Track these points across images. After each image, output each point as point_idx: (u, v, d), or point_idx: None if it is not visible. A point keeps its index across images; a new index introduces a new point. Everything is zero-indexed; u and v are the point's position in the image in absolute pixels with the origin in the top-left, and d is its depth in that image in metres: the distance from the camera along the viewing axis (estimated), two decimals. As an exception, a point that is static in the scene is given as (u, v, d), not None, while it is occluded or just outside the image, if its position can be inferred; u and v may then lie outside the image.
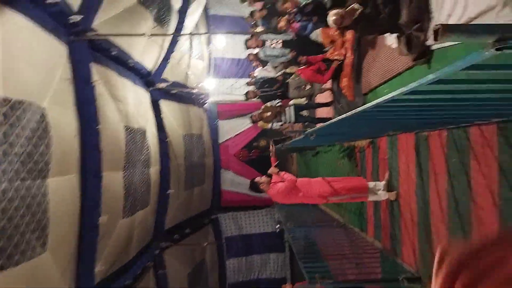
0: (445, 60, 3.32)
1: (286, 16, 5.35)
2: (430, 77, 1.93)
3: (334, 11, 3.87)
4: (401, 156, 4.20)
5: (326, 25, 5.27)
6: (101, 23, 5.90)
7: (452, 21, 3.02)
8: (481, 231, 2.72)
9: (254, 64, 11.51)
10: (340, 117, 2.90)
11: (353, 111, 2.80)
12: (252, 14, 7.76)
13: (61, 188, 4.90)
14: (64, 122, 5.05)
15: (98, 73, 5.78)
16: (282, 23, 5.39)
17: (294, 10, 5.37)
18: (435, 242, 3.42)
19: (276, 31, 6.38)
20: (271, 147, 5.25)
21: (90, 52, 5.71)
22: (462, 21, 2.89)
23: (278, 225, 10.85)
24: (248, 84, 10.53)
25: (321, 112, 8.06)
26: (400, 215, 4.25)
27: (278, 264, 13.37)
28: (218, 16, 13.22)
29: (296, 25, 5.39)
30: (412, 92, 2.18)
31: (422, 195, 3.67)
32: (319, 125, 4.66)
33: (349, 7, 3.89)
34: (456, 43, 3.09)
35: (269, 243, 13.16)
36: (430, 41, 3.39)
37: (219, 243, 12.85)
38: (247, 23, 11.13)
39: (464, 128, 2.93)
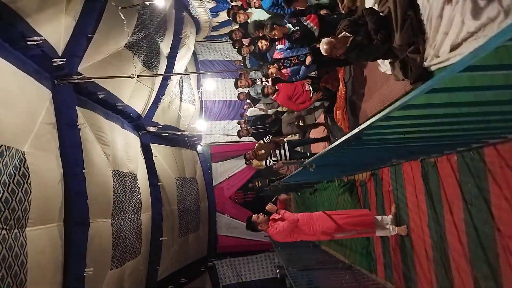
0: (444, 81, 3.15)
1: (276, 65, 5.28)
2: (423, 86, 1.73)
3: (326, 40, 3.75)
4: (408, 186, 3.92)
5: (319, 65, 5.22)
6: (87, 66, 5.82)
7: (450, 38, 2.88)
8: (511, 263, 2.40)
9: (245, 106, 11.54)
10: (339, 141, 2.67)
11: (353, 132, 2.58)
12: (239, 50, 7.76)
13: (42, 238, 4.53)
14: (46, 167, 4.77)
15: (83, 116, 5.60)
16: (272, 70, 5.30)
17: (282, 56, 5.29)
18: (456, 279, 3.06)
19: (267, 77, 6.31)
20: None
21: (76, 95, 5.55)
22: (461, 37, 2.75)
23: (279, 270, 10.29)
24: (239, 123, 10.44)
25: (317, 148, 7.86)
26: (413, 252, 3.88)
27: (280, 313, 12.60)
28: (207, 61, 13.46)
29: (287, 71, 5.29)
30: (408, 106, 1.97)
31: (436, 228, 3.34)
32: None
33: (341, 35, 3.78)
34: (455, 61, 2.93)
35: (271, 289, 12.47)
36: (428, 62, 3.23)
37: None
38: (235, 66, 11.24)
39: (477, 150, 2.70)
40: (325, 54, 3.87)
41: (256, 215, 4.74)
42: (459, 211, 2.96)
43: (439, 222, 3.28)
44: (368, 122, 2.19)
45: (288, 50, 5.08)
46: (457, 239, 2.99)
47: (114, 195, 6.26)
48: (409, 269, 4.02)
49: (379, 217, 4.36)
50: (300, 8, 5.55)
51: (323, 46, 3.83)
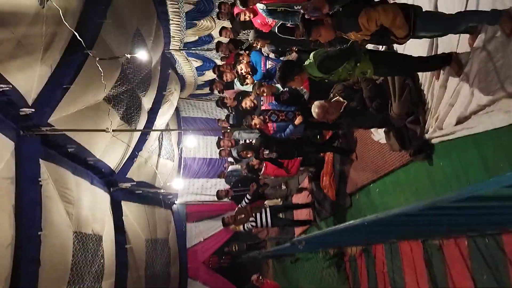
0: (448, 155, 2.89)
1: (261, 116, 5.02)
2: (457, 193, 1.41)
3: (319, 103, 3.53)
4: (407, 269, 3.50)
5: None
6: (59, 118, 5.42)
7: (456, 110, 2.66)
8: None
9: (226, 165, 11.18)
10: (343, 225, 2.28)
11: (350, 223, 2.22)
12: (222, 102, 7.55)
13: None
14: (-5, 229, 4.15)
15: (48, 171, 5.08)
16: (256, 121, 5.02)
17: (270, 108, 5.05)
18: None
19: (250, 128, 6.03)
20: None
21: (43, 148, 5.08)
22: (470, 110, 2.53)
23: None
24: (219, 176, 9.99)
25: (300, 214, 7.43)
26: None
27: None
28: (190, 118, 13.30)
29: (273, 125, 5.01)
30: (433, 207, 1.63)
31: (443, 321, 2.90)
32: (303, 230, 3.98)
33: (334, 99, 3.57)
34: (462, 135, 2.69)
35: None
36: (429, 135, 2.99)
37: None
38: (218, 126, 11.04)
39: (493, 236, 2.37)
40: (316, 117, 3.63)
41: None
42: (473, 306, 2.55)
43: (447, 316, 2.85)
44: (381, 215, 1.82)
45: (277, 104, 4.86)
46: None
47: (72, 260, 5.55)
48: None
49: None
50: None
51: (315, 109, 3.60)
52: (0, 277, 4.24)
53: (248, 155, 5.71)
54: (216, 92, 8.13)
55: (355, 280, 4.79)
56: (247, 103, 5.69)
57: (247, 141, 7.73)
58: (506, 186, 1.12)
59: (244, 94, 6.27)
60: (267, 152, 5.35)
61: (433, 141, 2.97)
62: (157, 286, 9.64)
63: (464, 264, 2.63)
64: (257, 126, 5.09)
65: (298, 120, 4.85)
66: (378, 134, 3.96)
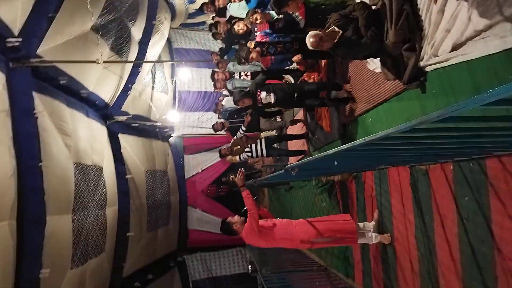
0: (441, 83, 2.90)
1: (258, 48, 4.85)
2: (435, 114, 1.43)
3: (313, 33, 3.44)
4: (394, 193, 3.69)
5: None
6: (48, 49, 5.27)
7: (452, 36, 2.61)
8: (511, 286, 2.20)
9: (221, 97, 11.10)
10: (333, 151, 2.36)
11: (339, 148, 2.28)
12: (215, 35, 7.29)
13: (-11, 238, 4.04)
14: (-4, 160, 4.26)
15: (42, 103, 5.06)
16: (253, 55, 4.88)
17: (267, 40, 4.87)
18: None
19: (246, 61, 5.87)
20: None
21: (34, 80, 5.01)
22: (466, 36, 2.48)
23: (250, 266, 10.07)
24: (215, 112, 10.01)
25: (294, 145, 7.59)
26: (396, 262, 3.68)
27: (251, 309, 12.43)
28: (182, 49, 12.88)
29: (271, 58, 4.87)
30: (413, 130, 1.66)
31: (424, 240, 3.13)
32: (297, 160, 4.10)
33: (329, 29, 3.47)
34: (456, 62, 2.67)
35: (241, 285, 12.23)
36: (424, 62, 2.97)
37: (186, 288, 11.83)
38: (212, 58, 10.73)
39: (478, 160, 2.47)
40: (310, 47, 3.57)
41: (231, 216, 4.43)
42: (453, 225, 2.74)
43: (428, 235, 3.07)
44: (368, 139, 1.88)
45: (274, 35, 4.70)
46: (449, 254, 2.78)
47: (75, 190, 5.78)
48: (391, 279, 3.82)
49: (360, 224, 4.13)
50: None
51: (309, 39, 3.52)
52: (7, 204, 4.45)
53: (246, 104, 5.44)
54: (208, 19, 7.80)
55: (345, 204, 5.06)
56: (239, 25, 5.43)
57: (243, 73, 7.60)
58: (486, 104, 1.15)
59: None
60: (264, 95, 5.09)
61: (427, 68, 2.95)
62: (159, 212, 10.15)
63: (448, 188, 2.78)
64: (255, 60, 4.97)
65: (296, 57, 4.73)
66: (374, 63, 3.92)
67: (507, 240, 2.28)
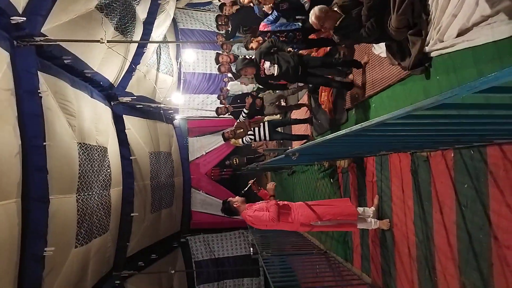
0: (445, 69, 2.86)
1: (259, 37, 4.82)
2: (429, 101, 1.41)
3: (319, 7, 3.40)
4: (394, 179, 3.70)
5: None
6: (52, 27, 5.25)
7: (458, 21, 2.56)
8: (506, 275, 2.22)
9: (226, 79, 11.05)
10: (333, 135, 2.36)
11: (337, 134, 2.28)
12: (218, 27, 7.25)
13: (-5, 216, 4.12)
14: (2, 138, 4.29)
15: (46, 83, 5.08)
16: (253, 44, 4.85)
17: (269, 29, 4.81)
18: (441, 282, 2.89)
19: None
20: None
21: (38, 59, 5.01)
22: (472, 21, 2.44)
23: (252, 248, 10.20)
24: (219, 98, 10.01)
25: (298, 129, 7.58)
26: (395, 248, 3.71)
27: (252, 290, 12.66)
28: (188, 30, 12.75)
29: None
30: (408, 116, 1.64)
31: (422, 226, 3.15)
32: (301, 144, 4.09)
33: (335, 10, 3.42)
34: (462, 48, 2.63)
35: (243, 267, 12.43)
36: (429, 47, 2.92)
37: (188, 268, 12.02)
38: (218, 40, 10.63)
39: (478, 148, 2.46)
40: (312, 23, 3.53)
41: (232, 197, 4.51)
42: (451, 212, 2.75)
43: (426, 221, 3.08)
44: (365, 124, 1.87)
45: (277, 24, 4.64)
46: (446, 241, 2.80)
47: (79, 170, 5.83)
48: (389, 264, 3.86)
49: (360, 209, 4.15)
50: None
51: (313, 13, 3.48)
52: (12, 182, 4.51)
53: (248, 73, 5.41)
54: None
55: (346, 189, 5.08)
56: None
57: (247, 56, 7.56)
58: (478, 92, 1.14)
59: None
60: (268, 65, 5.03)
61: (433, 54, 2.91)
62: (163, 194, 10.26)
63: (448, 175, 2.77)
64: (254, 49, 4.92)
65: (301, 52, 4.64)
66: (380, 48, 3.87)
67: (504, 228, 2.29)
